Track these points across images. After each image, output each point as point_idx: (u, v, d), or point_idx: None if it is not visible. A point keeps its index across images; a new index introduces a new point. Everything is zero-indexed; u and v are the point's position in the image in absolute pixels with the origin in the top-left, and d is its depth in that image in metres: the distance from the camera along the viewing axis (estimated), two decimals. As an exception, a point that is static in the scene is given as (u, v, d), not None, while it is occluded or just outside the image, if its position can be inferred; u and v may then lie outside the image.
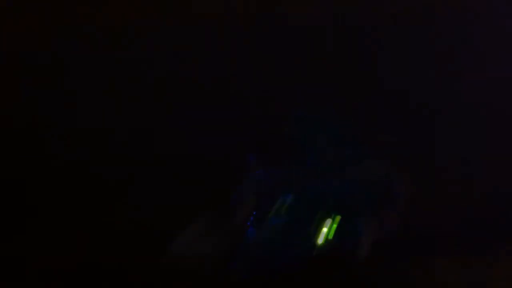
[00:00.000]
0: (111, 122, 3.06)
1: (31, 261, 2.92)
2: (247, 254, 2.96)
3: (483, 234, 3.05)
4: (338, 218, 2.90)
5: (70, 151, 3.04)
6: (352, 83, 3.17)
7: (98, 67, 3.04)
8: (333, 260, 2.97)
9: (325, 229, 2.92)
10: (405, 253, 3.02)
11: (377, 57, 3.18)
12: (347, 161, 3.03)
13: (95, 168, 3.03)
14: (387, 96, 3.17)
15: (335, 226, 2.93)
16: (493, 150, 3.12)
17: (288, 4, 3.15)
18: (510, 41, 3.13)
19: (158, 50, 3.10)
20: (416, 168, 3.13)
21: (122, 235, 2.99)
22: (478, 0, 3.11)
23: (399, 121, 3.16)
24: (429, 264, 3.01)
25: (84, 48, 3.02)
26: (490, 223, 3.07)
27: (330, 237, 2.93)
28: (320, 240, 2.94)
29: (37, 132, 3.01)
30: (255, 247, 2.96)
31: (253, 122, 3.17)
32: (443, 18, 3.16)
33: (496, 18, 3.13)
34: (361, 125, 3.12)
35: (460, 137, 3.15)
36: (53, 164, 3.03)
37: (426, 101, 3.18)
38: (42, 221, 2.98)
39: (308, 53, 3.18)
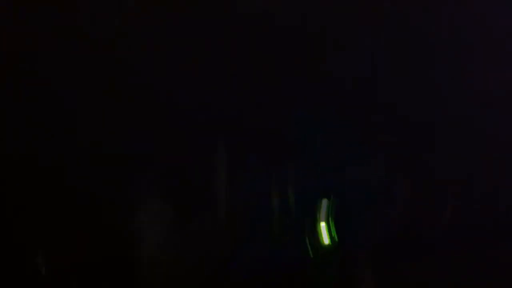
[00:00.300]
0: (111, 122, 3.06)
1: (32, 260, 2.92)
2: (247, 254, 2.96)
3: (483, 234, 3.05)
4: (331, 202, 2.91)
5: (69, 151, 3.04)
6: (352, 83, 3.17)
7: (98, 67, 3.04)
8: (334, 260, 2.97)
9: (323, 227, 2.92)
10: (405, 253, 3.02)
11: (377, 57, 3.18)
12: (347, 161, 3.03)
13: (95, 168, 3.03)
14: (387, 96, 3.17)
15: (332, 224, 2.93)
16: (493, 150, 3.12)
17: (288, 4, 3.15)
18: (510, 42, 3.14)
19: (158, 50, 3.10)
20: (416, 168, 3.13)
21: (122, 235, 2.99)
22: (478, 1, 3.12)
23: (399, 121, 3.16)
24: (429, 264, 3.01)
25: (84, 48, 3.02)
26: (490, 223, 3.07)
27: (334, 235, 2.93)
28: (325, 240, 2.94)
29: (36, 132, 3.01)
30: (255, 247, 2.96)
31: (253, 122, 3.17)
32: (444, 18, 3.16)
33: (496, 19, 3.13)
34: (361, 125, 3.12)
35: (460, 137, 3.14)
36: (53, 163, 3.02)
37: (426, 101, 3.18)
38: (41, 221, 2.98)
39: (308, 53, 3.18)
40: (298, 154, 3.10)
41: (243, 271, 2.93)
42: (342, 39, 3.16)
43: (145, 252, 2.95)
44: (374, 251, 2.98)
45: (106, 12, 3.05)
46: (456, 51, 3.15)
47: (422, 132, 3.18)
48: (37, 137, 2.99)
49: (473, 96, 3.13)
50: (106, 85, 3.05)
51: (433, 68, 3.17)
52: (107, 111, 3.06)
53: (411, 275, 2.99)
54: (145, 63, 3.08)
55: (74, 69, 3.01)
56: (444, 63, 3.16)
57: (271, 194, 3.05)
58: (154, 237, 2.98)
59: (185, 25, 3.12)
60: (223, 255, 2.95)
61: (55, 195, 2.98)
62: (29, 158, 2.97)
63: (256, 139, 3.15)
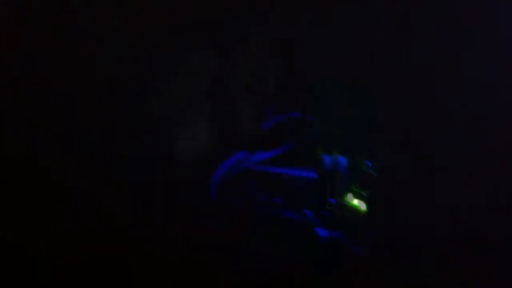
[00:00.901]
0: (110, 122, 3.07)
1: (35, 259, 2.93)
2: (247, 254, 2.97)
3: (484, 234, 3.05)
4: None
5: (69, 150, 3.04)
6: (352, 83, 3.18)
7: (97, 67, 3.05)
8: (334, 259, 2.98)
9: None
10: (405, 253, 3.03)
11: (378, 57, 3.19)
12: (347, 162, 3.03)
13: (96, 168, 3.04)
14: (388, 96, 3.17)
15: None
16: (493, 150, 3.13)
17: (289, 6, 3.16)
18: (510, 45, 3.15)
19: (159, 50, 3.11)
20: (416, 168, 3.14)
21: (122, 234, 3.00)
22: (478, 4, 3.12)
23: (398, 121, 3.17)
24: (429, 264, 3.02)
25: (84, 48, 3.03)
26: (490, 223, 3.07)
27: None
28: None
29: (36, 133, 3.02)
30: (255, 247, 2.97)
31: (253, 121, 3.18)
32: (444, 18, 3.17)
33: (496, 21, 3.14)
34: (361, 125, 3.13)
35: (460, 137, 3.15)
36: (52, 163, 3.03)
37: (426, 101, 3.18)
38: (42, 220, 2.99)
39: (309, 54, 3.19)
40: (299, 154, 3.11)
41: (243, 271, 2.94)
42: (343, 40, 3.17)
43: (143, 250, 2.97)
44: (374, 251, 2.99)
45: (106, 12, 3.06)
46: (457, 51, 3.16)
47: (422, 131, 3.19)
48: (37, 137, 2.99)
49: (473, 97, 3.13)
50: (105, 85, 3.06)
51: (433, 68, 3.18)
52: (107, 110, 3.06)
53: (410, 275, 3.00)
54: (146, 62, 3.09)
55: (73, 69, 3.02)
56: (444, 63, 3.17)
57: (271, 194, 3.06)
58: (153, 236, 2.99)
59: (188, 25, 3.12)
60: (224, 255, 2.96)
61: (55, 194, 2.99)
62: (28, 159, 2.97)
63: (256, 139, 3.16)
